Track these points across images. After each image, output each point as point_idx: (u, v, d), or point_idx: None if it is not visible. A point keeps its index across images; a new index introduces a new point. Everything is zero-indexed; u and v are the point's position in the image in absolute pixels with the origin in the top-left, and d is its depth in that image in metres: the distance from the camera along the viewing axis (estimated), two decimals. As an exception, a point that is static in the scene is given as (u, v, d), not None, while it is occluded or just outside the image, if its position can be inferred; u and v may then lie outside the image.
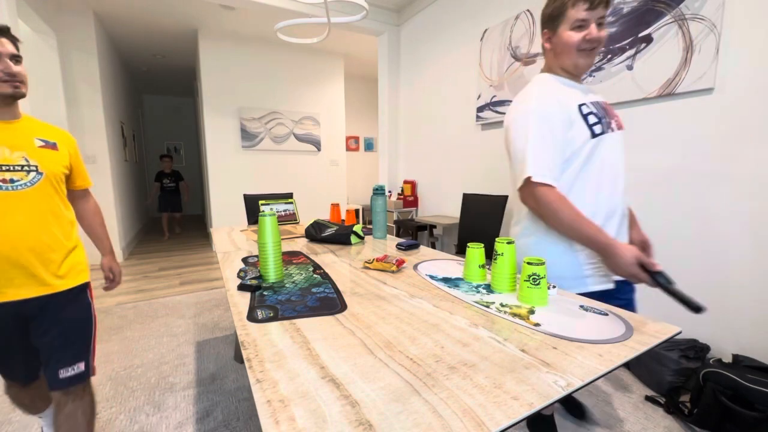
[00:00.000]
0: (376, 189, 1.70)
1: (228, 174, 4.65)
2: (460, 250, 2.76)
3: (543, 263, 0.87)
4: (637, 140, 1.88)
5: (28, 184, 0.99)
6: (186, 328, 2.43)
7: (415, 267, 1.22)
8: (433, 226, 3.30)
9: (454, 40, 3.20)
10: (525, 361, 0.62)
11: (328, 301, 0.91)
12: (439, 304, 0.88)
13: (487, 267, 1.07)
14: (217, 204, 4.64)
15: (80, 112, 3.71)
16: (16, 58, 1.01)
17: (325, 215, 2.55)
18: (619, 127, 1.08)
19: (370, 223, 1.78)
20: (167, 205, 5.54)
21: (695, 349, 1.67)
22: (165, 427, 1.50)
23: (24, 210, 0.98)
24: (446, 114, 3.37)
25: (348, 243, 1.60)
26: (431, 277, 1.11)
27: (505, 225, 2.59)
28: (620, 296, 1.06)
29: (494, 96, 2.78)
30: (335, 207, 2.06)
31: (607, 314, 0.82)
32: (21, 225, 0.97)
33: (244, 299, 0.92)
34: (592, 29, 0.98)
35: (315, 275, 1.13)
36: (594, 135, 1.00)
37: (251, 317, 0.81)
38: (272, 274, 1.06)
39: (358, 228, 1.66)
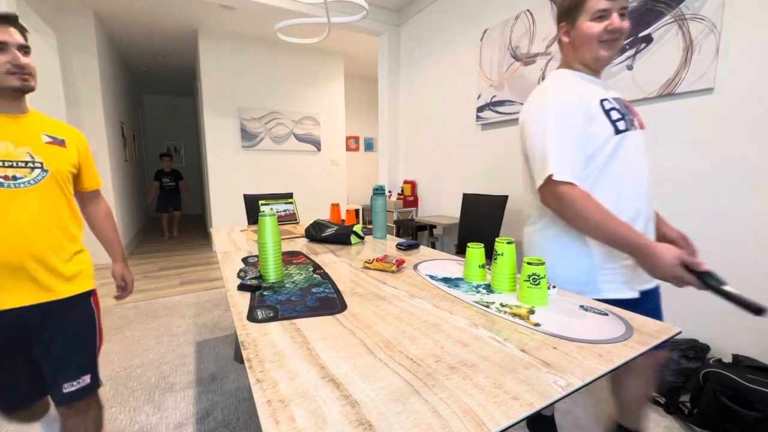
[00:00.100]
0: (376, 189, 1.70)
1: (228, 174, 4.65)
2: (460, 250, 2.76)
3: (543, 263, 0.87)
4: (637, 140, 1.88)
5: (32, 181, 0.93)
6: (186, 328, 2.43)
7: (415, 267, 1.22)
8: (433, 226, 3.30)
9: (454, 40, 3.20)
10: (525, 361, 0.62)
11: (328, 301, 0.91)
12: (439, 304, 0.88)
13: (487, 267, 1.07)
14: (217, 204, 4.64)
15: (80, 112, 3.71)
16: (25, 49, 0.95)
17: (325, 215, 2.55)
18: (641, 126, 1.03)
19: (370, 223, 1.78)
20: (167, 204, 5.54)
21: (695, 349, 1.67)
22: (165, 427, 1.50)
23: (27, 209, 0.92)
24: (446, 114, 3.37)
25: (348, 243, 1.60)
26: (431, 277, 1.11)
27: (505, 225, 2.59)
28: (644, 305, 0.98)
29: (494, 96, 2.78)
30: (335, 207, 2.06)
31: (607, 314, 0.82)
32: (23, 225, 0.91)
33: (244, 299, 0.92)
34: (614, 19, 0.93)
35: (315, 275, 1.13)
36: (618, 131, 0.94)
37: (251, 317, 0.81)
38: (272, 274, 1.06)
39: (358, 228, 1.66)
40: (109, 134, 4.01)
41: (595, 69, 1.02)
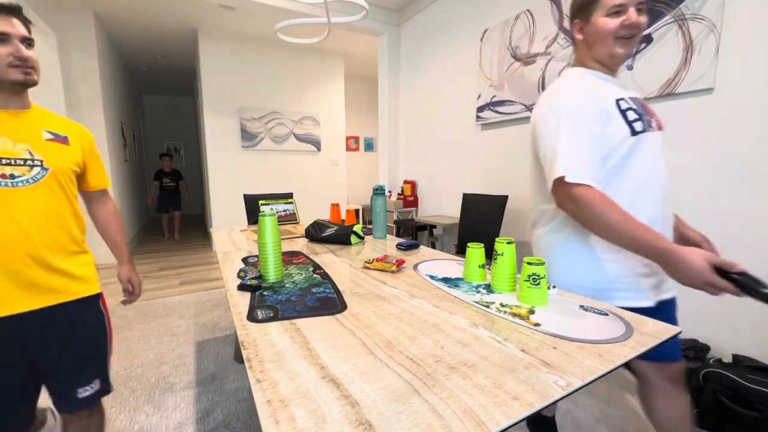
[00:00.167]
0: (376, 189, 1.70)
1: (228, 174, 4.65)
2: (460, 250, 2.76)
3: (543, 263, 0.87)
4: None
5: (31, 180, 0.88)
6: (186, 328, 2.43)
7: (415, 267, 1.22)
8: (433, 226, 3.30)
9: (454, 40, 3.20)
10: (525, 361, 0.62)
11: (328, 301, 0.91)
12: (439, 304, 0.88)
13: (487, 267, 1.07)
14: (217, 204, 4.64)
15: (80, 112, 3.71)
16: (28, 42, 0.90)
17: (325, 215, 2.56)
18: (659, 128, 0.98)
19: (370, 223, 1.78)
20: (167, 204, 5.52)
21: (695, 349, 1.67)
22: (165, 427, 1.50)
23: (26, 209, 0.87)
24: (446, 114, 3.37)
25: (348, 243, 1.60)
26: (431, 277, 1.11)
27: (505, 225, 2.59)
28: (659, 315, 0.90)
29: (494, 96, 2.78)
30: (335, 207, 2.06)
31: (607, 314, 0.82)
32: (22, 226, 0.87)
33: (244, 299, 0.92)
34: (631, 14, 0.88)
35: (315, 275, 1.13)
36: (634, 132, 0.90)
37: (251, 317, 0.81)
38: (272, 274, 1.06)
39: (358, 228, 1.66)
40: (109, 134, 4.01)
41: (610, 67, 0.98)
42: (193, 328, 2.43)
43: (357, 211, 5.31)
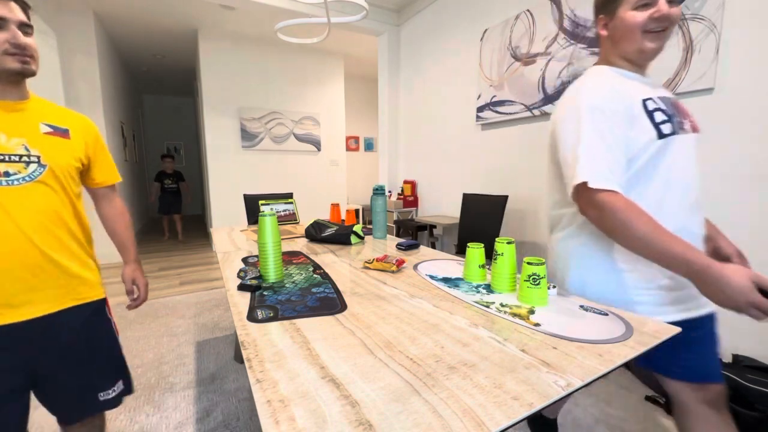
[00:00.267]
0: (376, 189, 1.70)
1: (228, 174, 4.65)
2: (460, 250, 2.76)
3: (543, 263, 0.87)
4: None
5: (28, 178, 0.81)
6: (186, 328, 2.43)
7: (415, 267, 1.22)
8: (433, 226, 3.30)
9: (454, 40, 3.20)
10: (525, 361, 0.62)
11: (328, 301, 0.91)
12: (439, 304, 0.88)
13: (487, 267, 1.07)
14: (217, 204, 4.64)
15: (80, 112, 3.66)
16: (26, 28, 0.82)
17: (325, 215, 2.56)
18: (694, 129, 0.90)
19: (370, 223, 1.78)
20: (168, 206, 5.49)
21: (695, 349, 1.67)
22: (165, 427, 1.50)
23: (23, 210, 0.80)
24: (446, 114, 3.37)
25: (348, 243, 1.60)
26: (431, 277, 1.11)
27: (505, 225, 2.59)
28: (695, 333, 0.84)
29: (494, 96, 2.78)
30: (335, 207, 2.06)
31: (607, 314, 0.82)
32: (18, 228, 0.80)
33: (244, 299, 0.92)
34: (661, 5, 0.82)
35: (315, 275, 1.13)
36: (661, 135, 0.83)
37: (251, 317, 0.81)
38: (272, 274, 1.06)
39: (358, 228, 1.66)
40: (109, 134, 4.01)
41: (639, 64, 0.91)
42: (193, 328, 2.43)
43: (357, 211, 5.31)
